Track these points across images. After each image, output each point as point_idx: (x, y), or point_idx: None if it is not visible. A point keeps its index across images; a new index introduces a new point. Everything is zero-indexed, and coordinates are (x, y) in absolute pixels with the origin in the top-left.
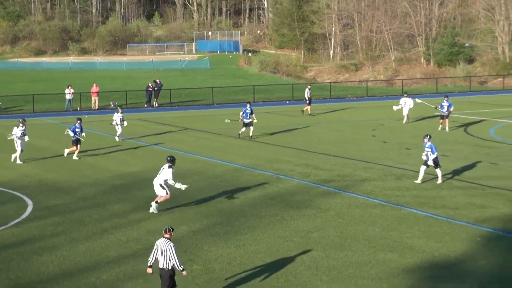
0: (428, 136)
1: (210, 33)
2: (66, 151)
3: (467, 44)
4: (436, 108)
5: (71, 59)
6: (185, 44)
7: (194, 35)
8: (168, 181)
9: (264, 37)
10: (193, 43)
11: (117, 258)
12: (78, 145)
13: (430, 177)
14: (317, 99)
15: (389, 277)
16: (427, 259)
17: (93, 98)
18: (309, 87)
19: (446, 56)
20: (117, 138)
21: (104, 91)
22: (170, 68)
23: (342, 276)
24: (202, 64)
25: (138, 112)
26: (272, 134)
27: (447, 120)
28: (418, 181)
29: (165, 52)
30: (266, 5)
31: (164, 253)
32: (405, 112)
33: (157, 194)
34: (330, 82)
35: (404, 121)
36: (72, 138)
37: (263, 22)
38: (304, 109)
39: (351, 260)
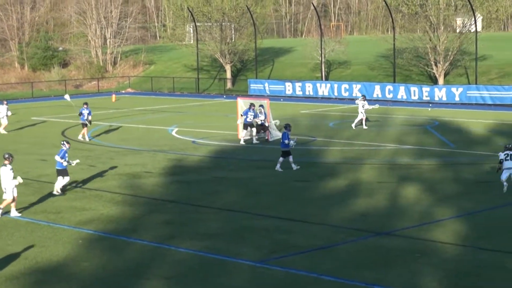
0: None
1: None
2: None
3: (60, 48)
4: (79, 115)
5: None
6: None
7: None
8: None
9: None
10: None
11: None
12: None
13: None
14: None
15: None
16: (30, 265)
17: None
18: None
19: (41, 60)
20: (2, 131)
21: None
22: None
23: None
24: None
25: None
26: None
27: (86, 128)
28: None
29: None
30: None
31: None
32: (3, 122)
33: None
34: None
35: (3, 131)
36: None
37: None
38: None
39: None
